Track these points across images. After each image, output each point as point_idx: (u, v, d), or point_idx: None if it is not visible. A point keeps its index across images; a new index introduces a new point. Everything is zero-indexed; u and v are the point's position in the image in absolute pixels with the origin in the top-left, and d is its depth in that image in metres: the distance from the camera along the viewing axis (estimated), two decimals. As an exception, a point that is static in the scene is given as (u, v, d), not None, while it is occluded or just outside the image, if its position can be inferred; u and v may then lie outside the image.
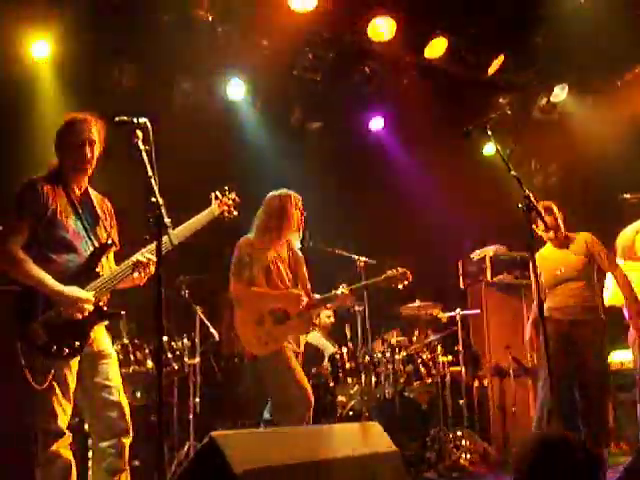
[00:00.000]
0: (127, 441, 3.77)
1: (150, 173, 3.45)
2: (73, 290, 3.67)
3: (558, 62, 7.61)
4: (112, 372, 3.85)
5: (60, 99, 6.47)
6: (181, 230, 3.95)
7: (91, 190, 4.02)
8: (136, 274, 3.84)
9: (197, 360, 6.18)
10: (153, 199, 3.37)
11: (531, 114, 8.38)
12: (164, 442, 3.57)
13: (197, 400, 6.11)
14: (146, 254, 3.83)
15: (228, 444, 2.70)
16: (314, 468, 2.93)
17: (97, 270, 3.81)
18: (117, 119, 3.55)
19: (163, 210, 3.36)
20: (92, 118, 3.90)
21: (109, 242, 3.87)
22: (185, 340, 6.14)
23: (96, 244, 3.86)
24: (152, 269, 3.82)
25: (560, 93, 8.11)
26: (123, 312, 3.92)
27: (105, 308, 3.83)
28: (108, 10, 6.30)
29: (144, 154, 3.48)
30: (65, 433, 3.70)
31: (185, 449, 5.88)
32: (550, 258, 5.72)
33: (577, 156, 8.30)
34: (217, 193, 4.35)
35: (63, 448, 3.69)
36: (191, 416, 6.02)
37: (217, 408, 6.54)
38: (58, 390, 3.66)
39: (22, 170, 6.01)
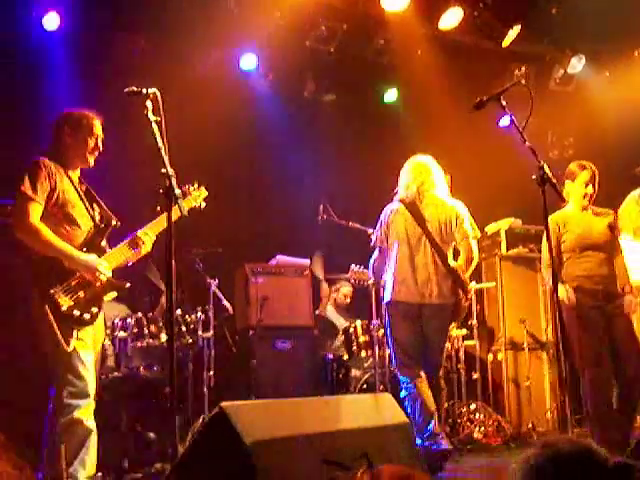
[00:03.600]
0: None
1: (160, 144, 3.45)
2: (93, 258, 3.89)
3: (574, 33, 7.49)
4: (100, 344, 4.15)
5: (71, 71, 6.43)
6: (151, 226, 4.12)
7: None
8: (136, 250, 4.08)
9: (211, 333, 6.18)
10: (163, 170, 3.38)
11: (547, 86, 8.26)
12: (177, 415, 3.64)
13: (211, 373, 6.12)
14: (147, 231, 4.08)
15: (238, 414, 2.70)
16: (325, 439, 2.93)
17: (103, 244, 4.03)
18: (127, 90, 3.55)
19: (174, 181, 3.37)
20: (100, 117, 4.18)
21: (113, 222, 4.09)
22: (199, 313, 6.15)
23: (97, 222, 4.06)
24: (149, 247, 4.08)
25: (577, 64, 7.99)
26: (128, 284, 4.10)
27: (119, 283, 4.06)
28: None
29: (154, 125, 3.48)
30: (90, 396, 3.80)
31: (199, 422, 5.90)
32: (578, 218, 5.48)
33: (594, 128, 8.20)
34: (188, 186, 4.45)
35: (86, 415, 3.78)
36: (205, 389, 6.03)
37: (231, 381, 6.56)
38: (82, 355, 3.83)
39: (31, 142, 6.06)
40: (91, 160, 4.12)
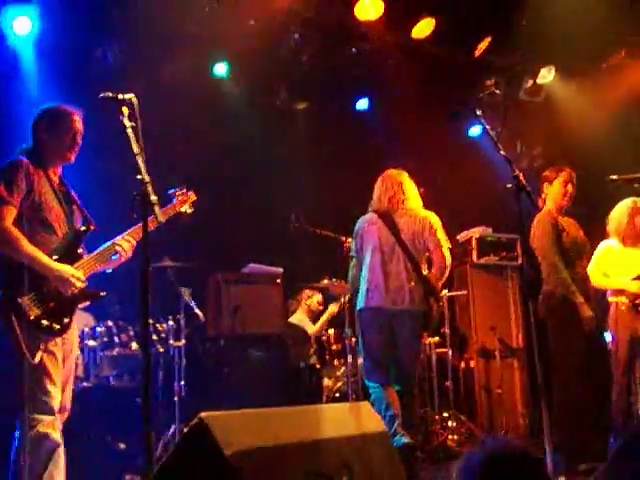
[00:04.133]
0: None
1: (136, 150, 3.40)
2: (66, 267, 3.73)
3: (544, 44, 7.56)
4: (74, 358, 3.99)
5: (42, 77, 6.36)
6: (131, 233, 3.99)
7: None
8: (115, 257, 3.94)
9: (182, 342, 6.12)
10: (139, 176, 3.33)
11: (517, 96, 8.34)
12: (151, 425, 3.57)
13: (182, 383, 6.05)
14: (127, 237, 3.93)
15: (217, 425, 2.66)
16: (305, 448, 2.90)
17: (79, 251, 3.88)
18: (102, 95, 3.50)
19: (149, 188, 3.33)
20: (79, 110, 4.02)
21: (91, 227, 3.94)
22: (170, 322, 6.09)
23: (76, 226, 3.92)
24: (130, 253, 3.95)
25: (547, 75, 8.08)
26: (103, 293, 3.96)
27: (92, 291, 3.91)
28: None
29: (130, 131, 3.44)
30: (56, 413, 3.68)
31: (170, 432, 5.84)
32: (568, 222, 5.59)
33: (563, 139, 8.29)
34: (177, 190, 4.38)
35: (52, 429, 3.66)
36: (176, 399, 5.97)
37: (202, 391, 6.49)
38: (50, 367, 3.67)
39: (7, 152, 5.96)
40: (71, 157, 3.98)
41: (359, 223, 5.65)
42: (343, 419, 3.46)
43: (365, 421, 3.47)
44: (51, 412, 3.67)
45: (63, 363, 3.82)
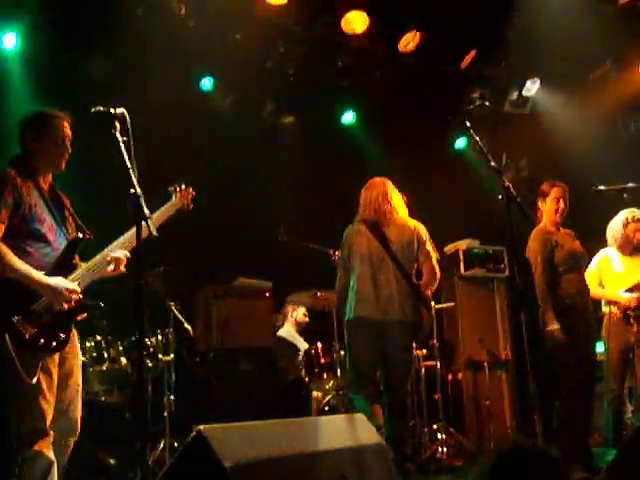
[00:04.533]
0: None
1: (128, 164, 3.40)
2: (59, 281, 3.63)
3: (529, 56, 7.64)
4: (79, 373, 3.88)
5: (29, 92, 6.35)
6: (122, 242, 3.90)
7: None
8: (110, 267, 3.85)
9: (171, 357, 6.09)
10: (132, 190, 3.33)
11: (502, 108, 8.41)
12: (138, 440, 3.53)
13: (172, 397, 6.02)
14: (121, 248, 3.84)
15: (216, 437, 2.65)
16: (303, 460, 2.90)
17: (74, 262, 3.78)
18: (94, 109, 3.50)
19: (142, 201, 3.32)
20: (67, 115, 3.91)
21: (86, 236, 3.81)
22: (159, 336, 6.07)
23: (69, 237, 3.82)
24: (124, 264, 3.87)
25: (532, 87, 8.15)
26: (102, 304, 3.87)
27: (88, 302, 3.80)
28: (79, 2, 6.20)
29: (121, 145, 3.44)
30: (49, 431, 3.63)
31: (161, 446, 5.80)
32: (561, 235, 5.64)
33: (548, 150, 8.35)
34: (176, 186, 4.30)
35: (46, 447, 3.61)
36: (166, 413, 5.93)
37: (192, 405, 6.46)
38: (45, 386, 3.59)
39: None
40: (62, 164, 3.87)
41: (347, 232, 5.57)
42: (339, 431, 3.46)
43: (361, 432, 3.48)
44: (44, 431, 3.61)
45: (69, 378, 3.77)
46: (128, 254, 3.85)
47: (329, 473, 2.72)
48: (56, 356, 3.67)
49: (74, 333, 3.82)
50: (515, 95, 8.29)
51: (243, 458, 2.65)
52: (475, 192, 7.92)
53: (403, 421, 5.25)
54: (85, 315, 3.84)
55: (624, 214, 5.94)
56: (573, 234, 5.70)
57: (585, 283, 5.57)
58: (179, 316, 6.20)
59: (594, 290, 5.75)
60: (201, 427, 2.66)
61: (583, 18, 6.78)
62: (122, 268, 3.87)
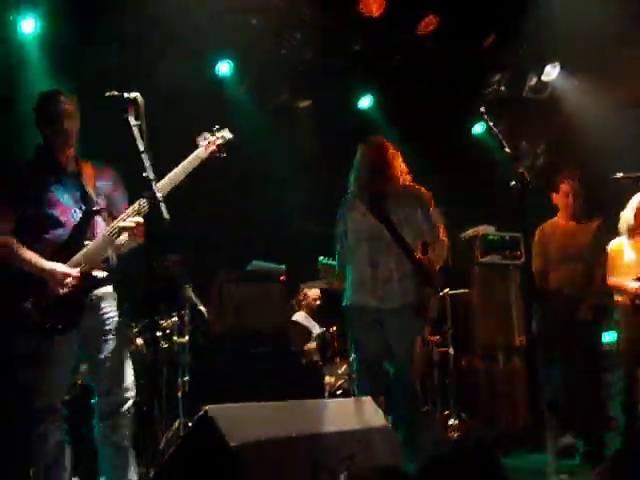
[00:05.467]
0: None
1: (142, 148, 3.44)
2: (54, 266, 3.67)
3: (548, 41, 7.58)
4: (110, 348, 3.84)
5: (47, 76, 6.41)
6: (165, 182, 3.82)
7: (92, 162, 4.03)
8: (123, 237, 3.80)
9: (186, 339, 6.15)
10: (145, 174, 3.37)
11: (521, 93, 8.35)
12: (155, 421, 3.59)
13: (186, 378, 6.08)
14: (129, 219, 3.76)
15: (223, 417, 2.70)
16: (309, 441, 2.94)
17: (84, 241, 3.77)
18: (108, 93, 3.54)
19: (155, 185, 3.36)
20: (63, 92, 3.93)
21: (93, 209, 3.84)
22: (174, 318, 6.12)
23: (82, 214, 3.84)
24: (140, 230, 3.73)
25: (551, 72, 8.08)
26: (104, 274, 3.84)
27: (99, 274, 3.80)
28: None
29: (135, 129, 3.47)
30: (58, 411, 3.70)
31: (175, 427, 5.87)
32: (562, 228, 5.76)
33: (567, 136, 8.30)
34: (206, 134, 4.13)
35: (53, 425, 3.69)
36: (180, 394, 5.99)
37: (206, 387, 6.52)
38: (53, 367, 3.69)
39: (8, 148, 6.01)
40: (70, 140, 3.89)
41: (341, 206, 5.03)
42: (346, 413, 3.49)
43: (368, 415, 3.51)
44: (53, 410, 3.71)
45: (96, 361, 3.82)
46: (140, 219, 3.72)
47: (334, 454, 2.75)
48: (70, 336, 3.72)
49: (107, 308, 3.86)
50: (534, 80, 8.23)
51: (249, 438, 2.69)
52: (492, 177, 7.89)
53: (413, 406, 4.78)
54: (96, 291, 3.82)
55: (635, 199, 5.89)
56: (592, 226, 5.71)
57: (582, 275, 5.57)
58: (194, 299, 6.26)
59: (608, 280, 5.74)
60: (207, 407, 2.70)
61: (602, 2, 6.71)
62: (139, 236, 3.75)
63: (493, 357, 7.53)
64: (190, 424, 5.74)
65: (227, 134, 4.23)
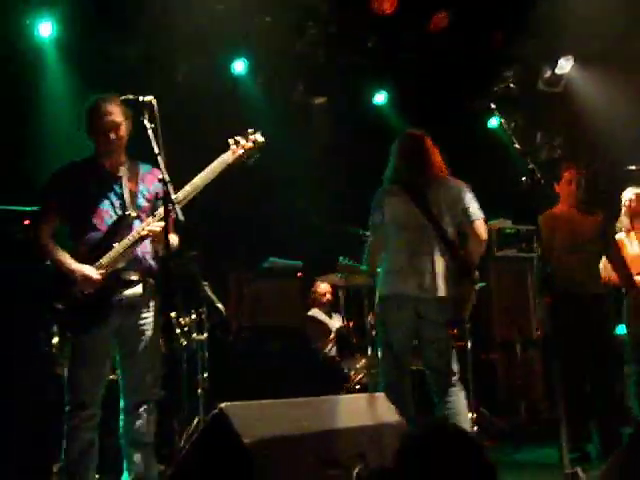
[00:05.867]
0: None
1: (157, 150, 3.50)
2: (82, 267, 3.79)
3: (562, 33, 7.55)
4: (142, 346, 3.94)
5: (65, 78, 6.51)
6: (188, 189, 3.89)
7: (141, 165, 4.09)
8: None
9: (205, 336, 6.21)
10: (160, 176, 3.44)
11: (536, 86, 8.33)
12: (173, 417, 3.66)
13: (205, 375, 6.15)
14: (155, 223, 3.84)
15: (237, 415, 2.75)
16: (322, 438, 2.98)
17: (114, 244, 3.85)
18: (123, 97, 3.62)
19: (170, 187, 3.42)
20: (108, 99, 3.91)
21: (126, 214, 3.91)
22: (193, 315, 6.18)
23: (119, 217, 3.92)
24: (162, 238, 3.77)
25: (565, 65, 8.07)
26: (145, 279, 3.95)
27: (128, 276, 3.89)
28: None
29: (150, 132, 3.54)
30: (88, 407, 3.80)
31: (194, 423, 5.94)
32: (566, 217, 5.63)
33: (583, 129, 8.28)
34: (236, 137, 4.09)
35: (85, 423, 3.79)
36: (200, 391, 6.06)
37: (225, 383, 6.58)
38: (83, 365, 3.82)
39: (27, 149, 6.11)
40: (113, 147, 3.93)
41: (378, 195, 4.82)
42: (359, 409, 3.53)
43: (381, 411, 3.54)
44: (83, 407, 3.80)
45: (128, 357, 3.93)
46: (162, 225, 3.73)
47: (347, 451, 2.80)
48: (101, 334, 3.82)
49: (143, 309, 3.95)
50: (548, 73, 8.21)
51: (263, 435, 2.74)
52: (508, 171, 7.89)
53: (448, 394, 4.68)
54: (124, 293, 3.89)
55: (625, 198, 5.88)
56: (597, 217, 5.66)
57: (589, 264, 5.54)
58: (212, 296, 6.32)
59: (611, 273, 5.73)
60: (222, 405, 2.76)
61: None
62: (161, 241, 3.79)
63: (511, 350, 7.53)
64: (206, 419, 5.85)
65: (259, 137, 4.18)
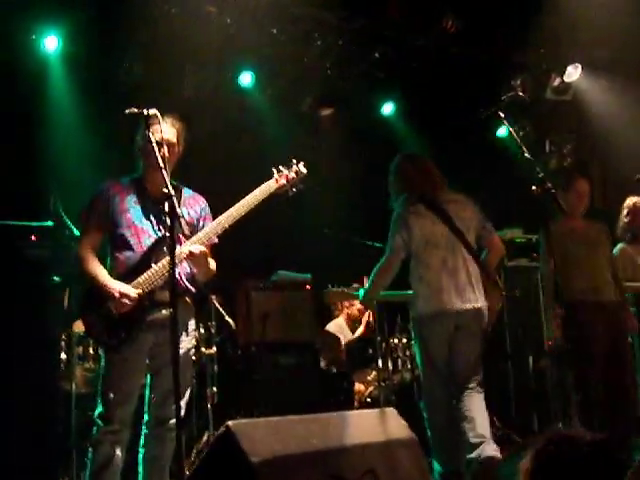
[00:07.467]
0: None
1: (161, 164, 3.47)
2: (117, 285, 3.79)
3: (570, 41, 7.53)
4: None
5: (70, 92, 6.52)
6: (231, 212, 4.01)
7: (185, 189, 4.14)
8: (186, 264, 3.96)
9: (214, 350, 6.17)
10: (164, 190, 3.39)
11: (544, 95, 8.29)
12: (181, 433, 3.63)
13: (214, 390, 6.10)
14: (195, 246, 3.87)
15: (244, 433, 2.71)
16: (331, 456, 2.93)
17: (152, 264, 3.85)
18: (127, 111, 3.59)
19: (175, 201, 3.39)
20: (162, 118, 3.74)
21: (166, 235, 3.80)
22: (201, 330, 6.15)
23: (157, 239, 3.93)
24: (204, 260, 3.93)
25: (573, 72, 8.02)
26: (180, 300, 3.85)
27: (165, 297, 3.77)
28: (117, 2, 6.31)
29: (155, 145, 3.51)
30: (113, 422, 3.77)
31: (204, 439, 5.89)
32: (576, 227, 5.55)
33: (592, 137, 8.23)
34: (280, 167, 4.25)
35: (106, 437, 3.77)
36: (209, 405, 6.02)
37: (234, 398, 6.54)
38: (114, 380, 3.82)
39: (33, 164, 6.10)
40: (152, 162, 3.59)
41: (403, 215, 4.80)
42: (369, 425, 3.48)
43: (391, 427, 3.49)
44: (108, 421, 3.78)
45: (156, 375, 3.92)
46: (204, 249, 3.89)
47: (357, 468, 2.74)
48: (131, 351, 3.82)
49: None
50: (557, 81, 8.17)
51: (271, 454, 2.69)
52: (517, 180, 7.84)
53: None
54: (162, 311, 3.85)
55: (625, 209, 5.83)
56: (602, 226, 5.61)
57: (601, 273, 5.45)
58: (220, 310, 6.29)
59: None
60: (229, 423, 2.72)
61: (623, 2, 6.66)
62: (199, 264, 3.93)
63: (523, 361, 7.46)
64: (213, 438, 5.81)
65: (302, 169, 4.32)
